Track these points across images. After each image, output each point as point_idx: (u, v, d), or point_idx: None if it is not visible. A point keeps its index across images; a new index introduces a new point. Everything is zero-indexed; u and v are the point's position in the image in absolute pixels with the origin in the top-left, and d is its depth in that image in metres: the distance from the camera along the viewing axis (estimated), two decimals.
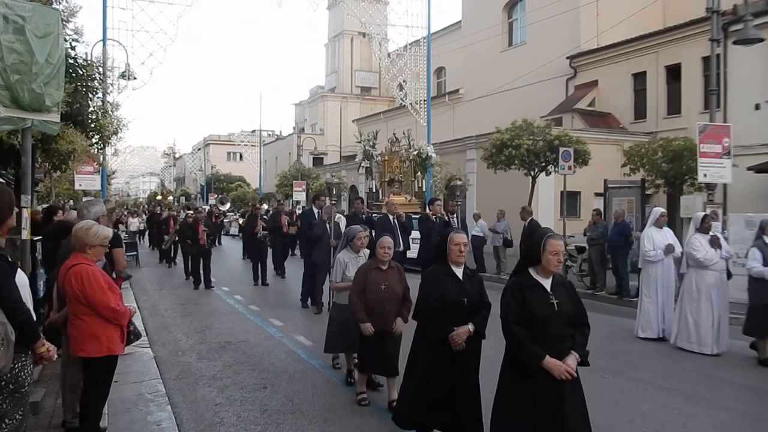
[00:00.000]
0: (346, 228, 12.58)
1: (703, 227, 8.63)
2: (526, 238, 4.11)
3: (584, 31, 27.51)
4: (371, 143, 21.49)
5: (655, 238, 9.31)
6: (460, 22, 38.22)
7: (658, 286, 9.29)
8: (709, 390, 6.30)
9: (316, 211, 12.09)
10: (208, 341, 8.85)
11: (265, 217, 18.71)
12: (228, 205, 44.63)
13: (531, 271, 3.93)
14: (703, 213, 9.02)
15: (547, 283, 3.89)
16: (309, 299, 11.54)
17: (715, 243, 8.48)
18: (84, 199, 13.98)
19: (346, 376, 6.81)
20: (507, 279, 8.99)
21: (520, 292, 3.84)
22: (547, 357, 3.67)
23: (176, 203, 52.08)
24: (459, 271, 4.62)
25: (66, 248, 5.06)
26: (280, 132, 65.94)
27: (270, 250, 16.36)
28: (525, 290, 3.83)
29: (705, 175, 11.25)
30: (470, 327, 4.47)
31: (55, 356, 3.76)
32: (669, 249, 9.22)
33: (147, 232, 27.33)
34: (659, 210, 9.72)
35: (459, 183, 13.14)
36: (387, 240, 5.68)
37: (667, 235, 9.40)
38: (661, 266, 9.31)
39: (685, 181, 12.67)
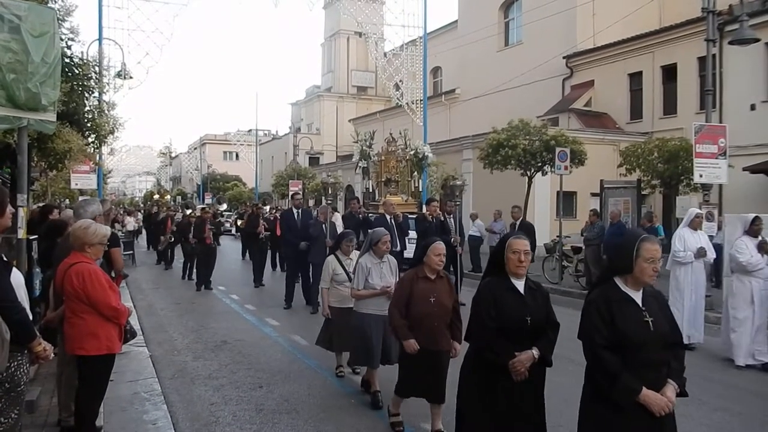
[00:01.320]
0: (343, 227, 12.75)
1: (753, 230, 8.01)
2: (614, 242, 3.52)
3: (580, 31, 27.55)
4: (368, 143, 21.48)
5: (688, 239, 8.77)
6: (456, 21, 38.23)
7: (686, 290, 8.80)
8: (703, 391, 6.33)
9: (295, 210, 12.18)
10: (204, 341, 8.85)
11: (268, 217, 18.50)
12: (225, 205, 44.61)
13: (618, 281, 3.25)
14: (754, 215, 8.36)
15: (638, 297, 3.21)
16: (291, 301, 11.65)
17: (763, 248, 7.91)
18: (80, 198, 13.96)
19: (337, 370, 7.01)
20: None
21: (608, 308, 3.15)
22: (644, 389, 3.02)
23: (173, 202, 51.95)
24: (520, 285, 3.81)
25: (62, 247, 5.05)
26: (277, 131, 65.94)
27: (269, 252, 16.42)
28: (613, 306, 3.15)
29: (701, 176, 11.28)
30: (534, 352, 3.67)
31: (52, 355, 3.77)
32: (701, 252, 8.71)
33: (144, 232, 27.13)
34: (694, 210, 9.25)
35: (458, 183, 13.13)
36: (441, 246, 4.94)
37: (700, 238, 8.91)
38: (690, 269, 8.80)
39: (680, 182, 12.73)
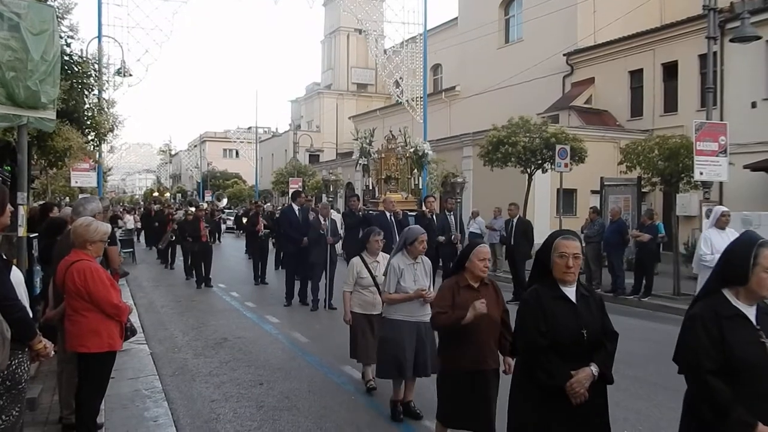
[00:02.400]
0: (343, 226, 12.76)
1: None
2: (727, 247, 2.92)
3: (581, 28, 27.51)
4: (368, 140, 21.48)
5: (714, 241, 8.24)
6: (456, 18, 38.17)
7: None
8: None
9: (296, 208, 12.15)
10: (205, 338, 8.86)
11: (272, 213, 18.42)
12: (225, 201, 44.61)
13: (728, 294, 2.76)
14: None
15: (751, 314, 2.73)
16: (292, 299, 11.62)
17: None
18: (80, 196, 13.95)
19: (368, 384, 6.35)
20: (503, 276, 8.94)
21: (717, 325, 2.66)
22: (760, 425, 2.56)
23: (173, 200, 51.99)
24: (571, 292, 3.27)
25: (62, 245, 5.05)
26: (276, 129, 65.96)
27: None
28: (723, 323, 2.67)
29: (701, 173, 11.28)
30: (593, 369, 3.16)
31: (52, 353, 3.77)
32: None
33: (143, 231, 26.89)
34: (720, 209, 8.76)
35: (458, 180, 13.13)
36: (486, 249, 4.32)
37: (729, 237, 8.29)
38: None
39: (681, 179, 12.69)
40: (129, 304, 4.95)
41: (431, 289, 5.28)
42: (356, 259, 6.27)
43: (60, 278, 4.48)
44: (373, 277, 6.10)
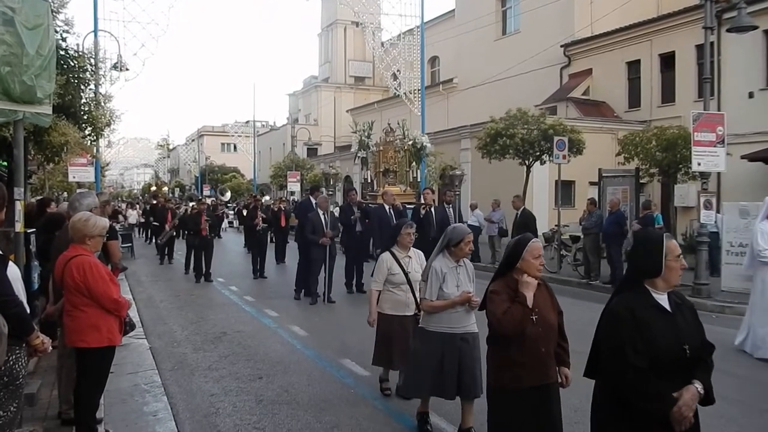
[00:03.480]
0: (339, 219, 12.75)
1: None
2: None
3: (578, 19, 27.43)
4: (366, 133, 21.46)
5: None
6: (453, 10, 38.06)
7: None
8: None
9: (314, 202, 12.08)
10: (204, 332, 8.87)
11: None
12: (228, 195, 44.56)
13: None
14: None
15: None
16: (303, 291, 11.55)
17: None
18: (77, 191, 13.93)
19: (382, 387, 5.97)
20: None
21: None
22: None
23: (171, 194, 51.92)
24: (665, 300, 2.89)
25: (60, 240, 5.05)
26: (274, 122, 65.80)
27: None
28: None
29: (699, 164, 11.28)
30: (698, 387, 2.77)
31: (50, 348, 3.77)
32: None
33: (145, 225, 26.50)
34: None
35: (456, 173, 13.13)
36: (540, 245, 3.77)
37: None
38: None
39: (679, 170, 12.72)
40: (128, 298, 4.95)
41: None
42: (386, 255, 5.67)
43: (59, 274, 4.48)
44: (406, 274, 5.57)
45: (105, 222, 4.69)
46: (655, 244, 2.93)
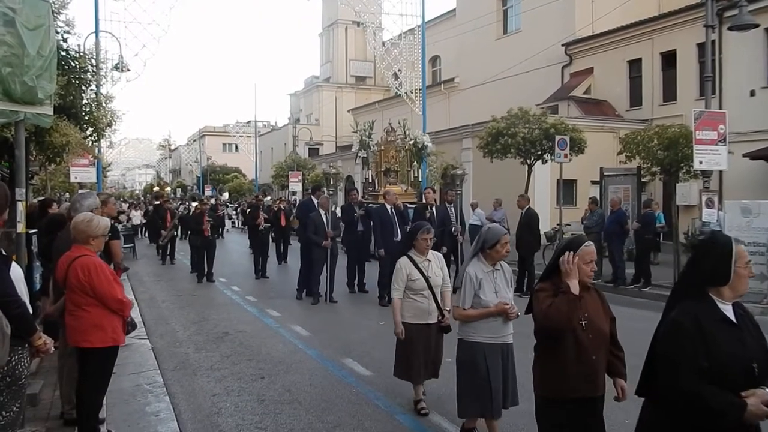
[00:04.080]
0: (341, 218, 12.76)
1: None
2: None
3: (579, 18, 27.40)
4: (368, 133, 21.46)
5: None
6: (454, 10, 38.03)
7: None
8: None
9: (316, 201, 12.08)
10: (206, 332, 8.87)
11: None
12: (226, 195, 44.58)
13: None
14: None
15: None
16: (304, 291, 11.55)
17: None
18: (78, 191, 13.94)
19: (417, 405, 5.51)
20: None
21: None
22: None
23: (173, 195, 51.96)
24: (730, 311, 2.66)
25: (62, 241, 5.05)
26: (276, 123, 65.83)
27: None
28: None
29: (701, 162, 11.26)
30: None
31: (52, 348, 3.77)
32: None
33: (149, 225, 26.25)
34: None
35: (457, 172, 13.11)
36: (593, 249, 3.46)
37: None
38: None
39: (680, 169, 12.67)
40: (130, 299, 4.96)
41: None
42: (404, 260, 5.33)
43: (61, 274, 4.48)
44: (426, 279, 5.26)
45: (107, 222, 4.70)
46: (723, 248, 2.66)
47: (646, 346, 2.85)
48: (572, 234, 15.37)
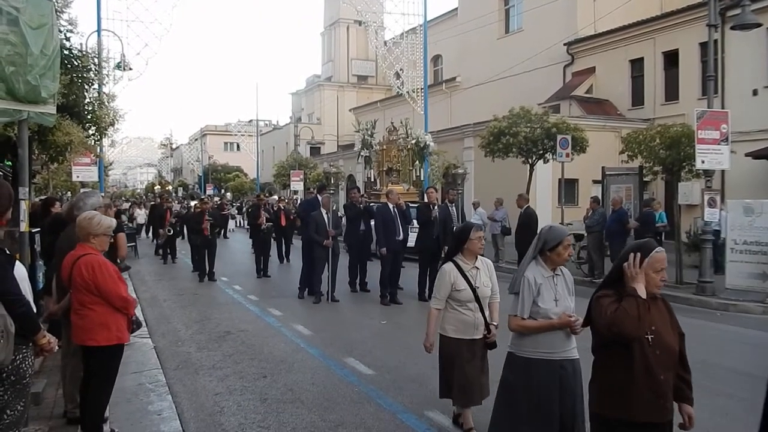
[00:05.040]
0: (344, 218, 12.74)
1: None
2: None
3: (581, 17, 27.39)
4: (370, 132, 21.49)
5: None
6: (456, 9, 38.02)
7: None
8: (707, 377, 6.33)
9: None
10: (208, 331, 8.88)
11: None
12: (229, 194, 44.59)
13: None
14: None
15: None
16: (306, 290, 11.56)
17: None
18: (81, 190, 13.96)
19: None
20: (505, 267, 8.81)
21: None
22: None
23: (174, 194, 52.01)
24: None
25: (65, 239, 5.06)
26: (277, 122, 65.86)
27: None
28: None
29: (703, 162, 11.25)
30: None
31: (56, 347, 3.78)
32: None
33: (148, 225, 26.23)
34: None
35: (459, 171, 13.12)
36: (665, 256, 3.13)
37: None
38: None
39: (683, 168, 12.66)
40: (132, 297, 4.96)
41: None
42: (449, 266, 4.72)
43: (66, 272, 4.48)
44: (474, 290, 4.66)
45: (110, 221, 4.69)
46: None
47: None
48: (574, 233, 15.48)
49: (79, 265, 4.36)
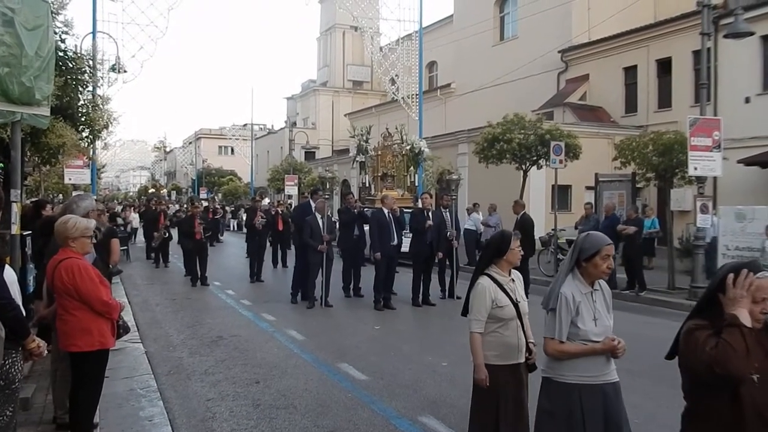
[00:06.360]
0: (338, 222, 12.73)
1: None
2: None
3: (575, 25, 27.54)
4: (365, 138, 21.51)
5: None
6: (452, 16, 38.16)
7: None
8: None
9: (313, 205, 12.03)
10: (200, 336, 8.83)
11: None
12: (219, 196, 44.45)
13: None
14: None
15: None
16: (299, 294, 11.52)
17: None
18: (73, 193, 13.89)
19: None
20: None
21: None
22: None
23: (167, 197, 51.85)
24: None
25: (55, 244, 5.02)
26: (272, 126, 65.84)
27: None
28: None
29: (695, 168, 11.31)
30: None
31: (45, 352, 3.75)
32: None
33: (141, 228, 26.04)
34: None
35: (453, 177, 13.16)
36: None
37: None
38: None
39: (675, 175, 12.73)
40: (122, 301, 4.92)
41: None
42: (486, 281, 3.98)
43: (49, 277, 4.45)
44: (516, 304, 3.97)
45: (87, 222, 4.62)
46: None
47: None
48: (566, 239, 15.53)
49: (59, 270, 4.32)
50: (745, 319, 2.43)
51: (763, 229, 10.59)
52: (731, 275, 2.51)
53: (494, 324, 3.92)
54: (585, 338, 3.33)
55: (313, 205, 11.89)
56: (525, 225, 12.58)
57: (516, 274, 4.15)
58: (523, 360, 3.98)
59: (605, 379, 3.39)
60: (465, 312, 3.86)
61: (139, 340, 8.27)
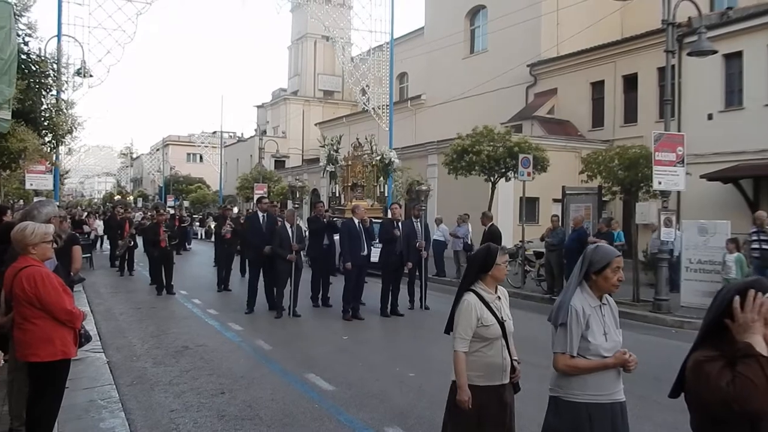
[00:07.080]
0: (308, 231, 12.66)
1: None
2: None
3: (545, 40, 28.03)
4: (335, 147, 21.49)
5: None
6: (422, 28, 38.51)
7: None
8: (660, 393, 6.40)
9: (261, 214, 12.06)
10: (165, 346, 8.66)
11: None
12: (186, 203, 43.88)
13: None
14: None
15: None
16: (253, 305, 11.45)
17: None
18: (35, 199, 13.56)
19: None
20: None
21: None
22: None
23: (134, 204, 50.99)
24: None
25: (14, 251, 4.88)
26: (242, 134, 65.31)
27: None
28: None
29: (660, 183, 11.54)
30: None
31: (2, 362, 3.63)
32: None
33: (105, 236, 25.60)
34: None
35: (423, 188, 13.21)
36: None
37: None
38: None
39: (640, 188, 12.98)
40: (84, 310, 4.80)
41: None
42: (472, 298, 3.77)
43: (8, 285, 4.30)
44: (501, 323, 3.77)
45: (46, 228, 4.51)
46: None
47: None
48: (534, 251, 15.70)
49: (20, 278, 4.18)
50: (762, 348, 2.18)
51: (724, 243, 10.84)
52: (737, 298, 2.27)
53: (478, 343, 3.73)
54: (595, 353, 3.21)
55: (260, 214, 11.95)
56: (493, 237, 12.71)
57: (502, 291, 3.93)
58: (507, 380, 3.82)
59: (614, 398, 3.28)
60: (448, 329, 3.71)
61: (101, 350, 8.07)
